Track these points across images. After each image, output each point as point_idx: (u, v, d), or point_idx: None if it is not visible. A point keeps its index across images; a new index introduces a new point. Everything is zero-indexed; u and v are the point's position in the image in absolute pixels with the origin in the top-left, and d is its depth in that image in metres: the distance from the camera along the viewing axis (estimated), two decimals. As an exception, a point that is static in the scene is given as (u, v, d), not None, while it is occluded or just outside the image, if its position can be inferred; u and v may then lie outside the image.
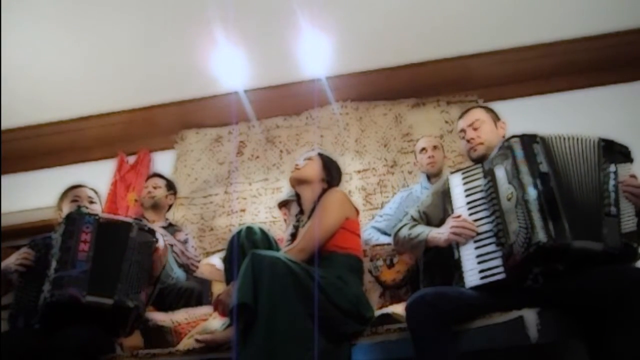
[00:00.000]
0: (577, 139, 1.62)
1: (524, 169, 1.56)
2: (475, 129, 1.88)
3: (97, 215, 2.03)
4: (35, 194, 3.69)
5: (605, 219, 1.52)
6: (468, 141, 1.89)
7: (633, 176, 1.60)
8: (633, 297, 1.35)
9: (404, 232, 1.84)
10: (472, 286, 1.57)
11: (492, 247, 1.59)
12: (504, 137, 1.90)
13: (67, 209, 2.22)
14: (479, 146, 1.86)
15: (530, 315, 1.45)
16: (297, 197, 2.19)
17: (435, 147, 2.85)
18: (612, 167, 1.59)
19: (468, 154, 1.91)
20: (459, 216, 1.68)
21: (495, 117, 1.96)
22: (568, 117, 3.27)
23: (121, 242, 1.99)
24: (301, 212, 2.15)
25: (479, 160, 1.84)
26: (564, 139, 1.62)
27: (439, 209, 1.85)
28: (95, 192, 2.35)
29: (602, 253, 1.49)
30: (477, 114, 1.93)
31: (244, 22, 3.04)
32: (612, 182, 1.57)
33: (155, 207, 2.92)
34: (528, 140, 1.61)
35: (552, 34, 3.34)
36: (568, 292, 1.49)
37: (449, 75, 3.51)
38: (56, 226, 2.02)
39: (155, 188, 2.94)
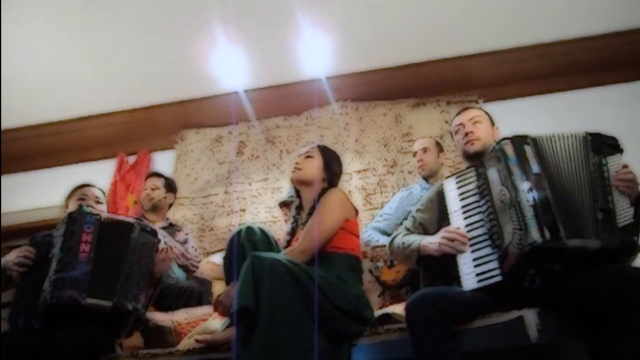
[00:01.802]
0: (565, 137, 1.62)
1: (516, 170, 1.56)
2: (474, 124, 1.87)
3: (98, 214, 2.02)
4: (35, 194, 3.69)
5: (600, 215, 1.52)
6: (466, 134, 1.85)
7: (625, 166, 1.59)
8: (632, 297, 1.35)
9: (398, 241, 1.84)
10: (469, 290, 1.57)
11: (487, 250, 1.59)
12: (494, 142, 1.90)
13: (73, 207, 2.19)
14: (476, 141, 1.83)
15: (530, 315, 1.45)
16: (297, 191, 2.17)
17: (425, 150, 2.84)
18: (603, 161, 1.59)
19: (463, 150, 1.87)
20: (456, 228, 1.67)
21: (492, 121, 1.95)
22: (568, 117, 3.27)
23: (122, 243, 1.98)
24: (300, 206, 2.14)
25: (474, 156, 1.83)
26: (553, 138, 1.62)
27: (435, 217, 1.85)
28: (103, 193, 2.35)
29: (600, 250, 1.49)
30: (477, 112, 1.93)
31: (244, 22, 3.04)
32: (604, 177, 1.57)
33: (155, 208, 2.91)
34: (519, 142, 1.62)
35: (552, 34, 3.34)
36: (568, 293, 1.48)
37: (449, 75, 3.51)
38: (58, 224, 2.01)
39: (153, 189, 2.92)
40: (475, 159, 1.81)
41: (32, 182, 3.86)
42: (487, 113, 1.98)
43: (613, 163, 1.60)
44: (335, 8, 3.02)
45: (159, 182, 2.97)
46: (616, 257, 1.52)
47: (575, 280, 1.48)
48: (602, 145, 1.63)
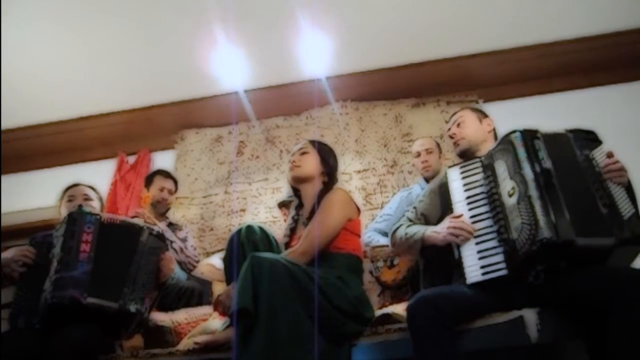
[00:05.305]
0: (559, 135, 1.65)
1: (526, 164, 1.56)
2: (458, 126, 1.96)
3: (98, 215, 2.02)
4: (35, 194, 3.69)
5: (606, 210, 1.51)
6: (451, 137, 1.97)
7: (610, 154, 1.59)
8: (632, 297, 1.35)
9: (401, 232, 1.83)
10: (473, 282, 1.55)
11: (493, 243, 1.57)
12: (490, 132, 1.95)
13: (64, 209, 2.21)
14: (461, 141, 1.93)
15: (530, 315, 1.45)
16: (295, 190, 2.14)
17: (429, 151, 2.84)
18: (590, 155, 1.61)
19: (454, 150, 1.99)
20: (458, 216, 1.67)
21: (481, 115, 2.00)
22: (568, 117, 3.23)
23: (130, 246, 1.98)
24: (300, 204, 2.12)
25: (464, 154, 1.91)
26: (553, 135, 1.64)
27: (437, 208, 1.85)
28: (93, 189, 2.33)
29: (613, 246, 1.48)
30: (460, 113, 2.01)
31: (244, 22, 3.05)
32: (595, 172, 1.58)
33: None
34: (529, 136, 1.62)
35: (552, 34, 3.34)
36: (568, 291, 1.48)
37: (449, 75, 3.51)
38: (57, 225, 2.01)
39: (171, 193, 2.90)
40: (466, 157, 1.88)
41: (32, 182, 3.86)
42: (475, 109, 2.05)
43: (598, 155, 1.61)
44: (335, 8, 3.02)
45: (172, 185, 2.93)
46: (616, 252, 1.51)
47: (576, 279, 1.48)
48: (584, 139, 1.64)
